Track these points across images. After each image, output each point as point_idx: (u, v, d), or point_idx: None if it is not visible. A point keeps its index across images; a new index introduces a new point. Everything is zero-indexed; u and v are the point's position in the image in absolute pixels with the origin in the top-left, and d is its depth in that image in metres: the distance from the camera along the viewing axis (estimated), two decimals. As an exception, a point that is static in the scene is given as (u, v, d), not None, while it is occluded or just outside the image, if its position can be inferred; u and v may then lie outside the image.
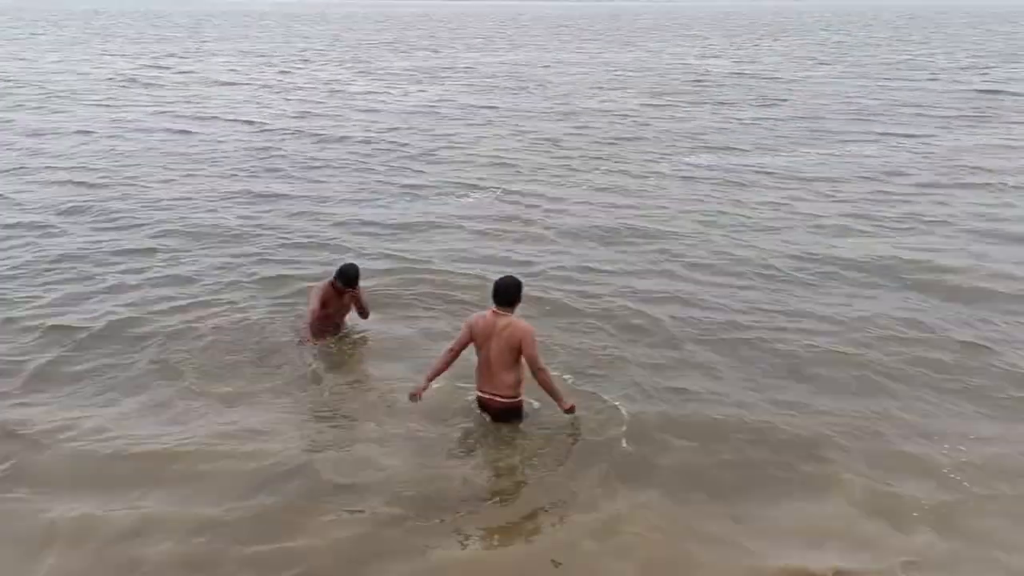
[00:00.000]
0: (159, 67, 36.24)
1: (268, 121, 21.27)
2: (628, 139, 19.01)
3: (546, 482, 5.52)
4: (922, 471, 5.69)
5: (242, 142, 18.32)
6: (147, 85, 29.30)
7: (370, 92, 28.21)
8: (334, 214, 12.37)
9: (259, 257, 10.17)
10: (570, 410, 5.93)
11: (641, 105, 24.74)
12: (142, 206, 12.62)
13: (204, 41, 56.19)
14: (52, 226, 11.53)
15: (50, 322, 7.94)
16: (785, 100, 25.77)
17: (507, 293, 5.83)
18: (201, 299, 8.61)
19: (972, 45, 52.83)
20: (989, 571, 4.81)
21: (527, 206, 12.90)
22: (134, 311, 8.25)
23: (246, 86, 29.63)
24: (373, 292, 8.15)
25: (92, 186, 13.97)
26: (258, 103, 24.97)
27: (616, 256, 10.41)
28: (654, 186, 14.34)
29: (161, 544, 4.84)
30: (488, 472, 5.62)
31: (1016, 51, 46.54)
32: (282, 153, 17.13)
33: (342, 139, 18.83)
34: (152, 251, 10.35)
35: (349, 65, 39.07)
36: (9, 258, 10.04)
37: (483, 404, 6.05)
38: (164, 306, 8.39)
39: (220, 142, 18.28)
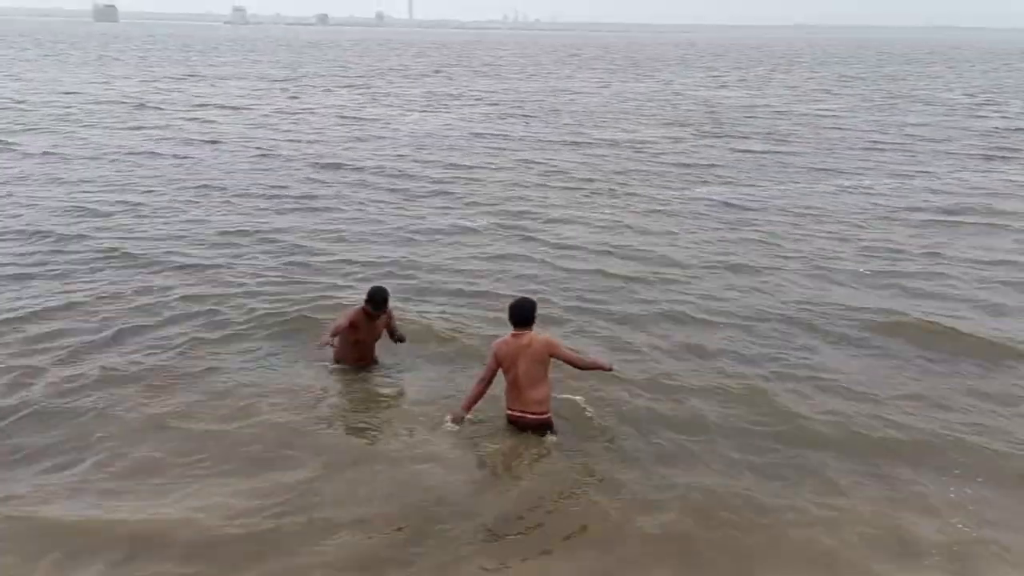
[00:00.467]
0: (169, 90, 36.50)
1: (275, 147, 21.21)
2: (638, 170, 18.82)
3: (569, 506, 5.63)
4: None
5: (249, 169, 18.20)
6: (157, 108, 29.44)
7: (379, 119, 28.22)
8: (340, 242, 12.23)
9: (263, 287, 9.93)
10: (610, 368, 6.43)
11: (655, 136, 24.61)
12: (139, 235, 12.44)
13: (216, 66, 56.76)
14: (45, 252, 11.34)
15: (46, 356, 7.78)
16: (795, 133, 25.60)
17: (523, 313, 6.23)
18: (194, 336, 8.36)
19: (987, 81, 52.73)
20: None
21: (534, 236, 12.73)
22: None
23: (256, 111, 29.72)
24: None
25: (93, 213, 13.82)
26: (268, 127, 24.97)
27: (623, 293, 10.14)
28: (663, 219, 14.11)
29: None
30: (517, 494, 5.71)
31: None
32: (288, 179, 17.00)
33: (349, 166, 18.70)
34: (147, 286, 10.07)
35: (361, 91, 39.26)
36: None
37: (514, 422, 6.33)
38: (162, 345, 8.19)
39: (223, 169, 18.16)
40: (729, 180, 17.67)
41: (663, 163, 19.89)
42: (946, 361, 8.10)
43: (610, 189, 16.60)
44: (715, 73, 59.65)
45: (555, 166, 19.17)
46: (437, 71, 57.08)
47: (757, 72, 61.74)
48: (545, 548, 5.17)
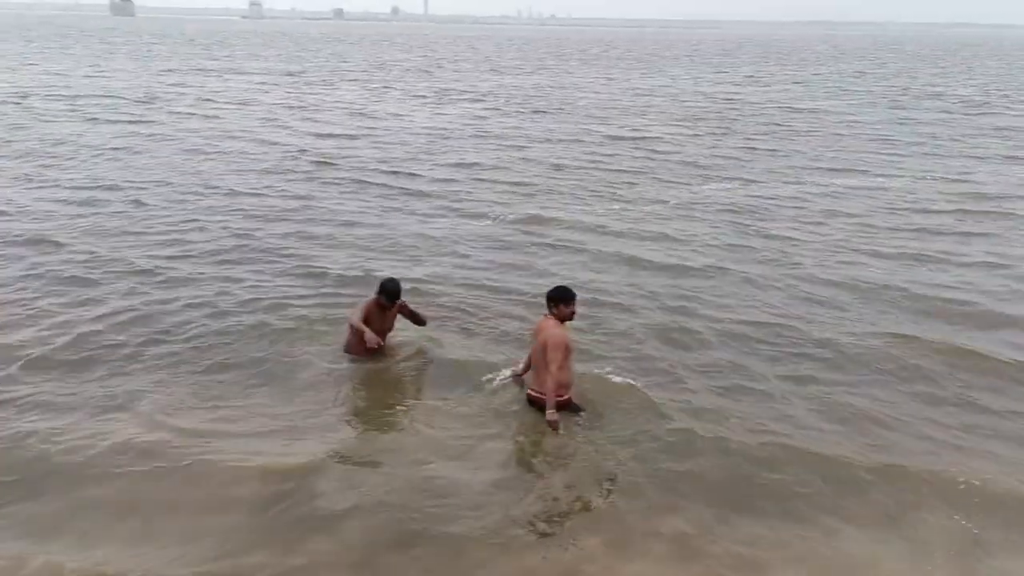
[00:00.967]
0: (184, 85, 36.60)
1: (286, 141, 21.19)
2: (648, 167, 18.64)
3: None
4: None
5: (258, 161, 18.17)
6: (168, 101, 29.51)
7: (391, 113, 28.16)
8: (350, 235, 12.17)
9: (265, 283, 9.88)
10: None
11: (665, 132, 24.40)
12: (149, 224, 12.48)
13: (230, 59, 56.88)
14: (56, 241, 11.38)
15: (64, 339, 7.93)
16: (809, 130, 25.31)
17: (548, 297, 6.51)
18: (200, 330, 8.35)
19: (1009, 77, 51.98)
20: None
21: (544, 232, 12.64)
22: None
23: (270, 105, 29.72)
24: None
25: (99, 202, 13.86)
26: (278, 123, 24.94)
27: (632, 286, 10.05)
28: (673, 215, 13.96)
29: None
30: (527, 490, 5.69)
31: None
32: (298, 174, 16.92)
33: (360, 160, 18.64)
34: (152, 271, 10.16)
35: (372, 85, 39.22)
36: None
37: (531, 400, 6.49)
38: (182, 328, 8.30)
39: (234, 161, 18.17)
40: (742, 178, 17.46)
41: (674, 160, 19.68)
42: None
43: (626, 184, 16.47)
44: (727, 69, 59.14)
45: (565, 161, 19.01)
46: (446, 65, 56.94)
47: (769, 68, 61.14)
48: (553, 540, 5.16)
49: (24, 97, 29.11)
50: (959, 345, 8.29)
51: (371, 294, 7.41)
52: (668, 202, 14.96)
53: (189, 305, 8.96)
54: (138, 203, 13.87)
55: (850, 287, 10.12)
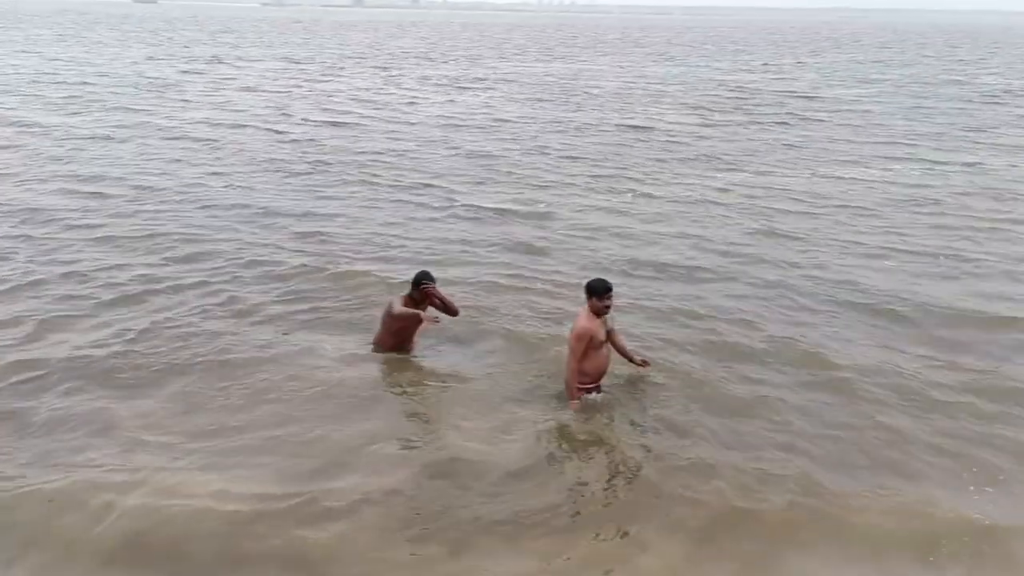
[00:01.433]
0: (195, 71, 36.66)
1: (297, 130, 21.12)
2: (665, 156, 18.38)
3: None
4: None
5: (267, 152, 18.07)
6: (180, 89, 29.56)
7: (403, 102, 28.02)
8: (351, 232, 11.97)
9: (268, 280, 9.77)
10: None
11: (680, 121, 24.04)
12: (153, 215, 12.48)
13: (243, 47, 56.97)
14: (52, 235, 11.34)
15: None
16: (826, 119, 24.83)
17: (585, 288, 6.45)
18: (219, 318, 8.45)
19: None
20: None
21: (555, 224, 12.50)
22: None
23: (280, 92, 29.68)
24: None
25: (104, 196, 13.79)
26: (288, 111, 24.87)
27: (647, 283, 9.90)
28: (688, 207, 13.75)
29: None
30: (547, 482, 5.66)
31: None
32: (306, 166, 16.76)
33: (371, 151, 18.52)
34: (159, 266, 10.15)
35: (385, 74, 39.06)
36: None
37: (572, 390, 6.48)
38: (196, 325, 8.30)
39: (242, 151, 18.10)
40: (758, 167, 17.14)
41: (690, 148, 19.37)
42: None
43: (641, 174, 16.27)
44: (746, 57, 58.30)
45: (581, 152, 18.75)
46: (464, 53, 56.66)
47: (784, 59, 60.22)
48: (568, 531, 5.15)
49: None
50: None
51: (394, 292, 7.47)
52: (690, 193, 14.73)
53: (187, 296, 9.01)
54: (141, 189, 13.86)
55: (864, 288, 9.77)
